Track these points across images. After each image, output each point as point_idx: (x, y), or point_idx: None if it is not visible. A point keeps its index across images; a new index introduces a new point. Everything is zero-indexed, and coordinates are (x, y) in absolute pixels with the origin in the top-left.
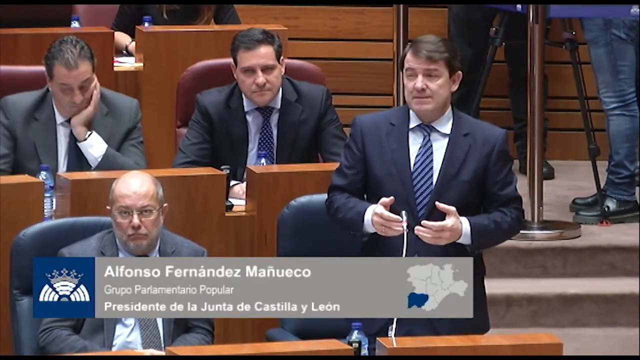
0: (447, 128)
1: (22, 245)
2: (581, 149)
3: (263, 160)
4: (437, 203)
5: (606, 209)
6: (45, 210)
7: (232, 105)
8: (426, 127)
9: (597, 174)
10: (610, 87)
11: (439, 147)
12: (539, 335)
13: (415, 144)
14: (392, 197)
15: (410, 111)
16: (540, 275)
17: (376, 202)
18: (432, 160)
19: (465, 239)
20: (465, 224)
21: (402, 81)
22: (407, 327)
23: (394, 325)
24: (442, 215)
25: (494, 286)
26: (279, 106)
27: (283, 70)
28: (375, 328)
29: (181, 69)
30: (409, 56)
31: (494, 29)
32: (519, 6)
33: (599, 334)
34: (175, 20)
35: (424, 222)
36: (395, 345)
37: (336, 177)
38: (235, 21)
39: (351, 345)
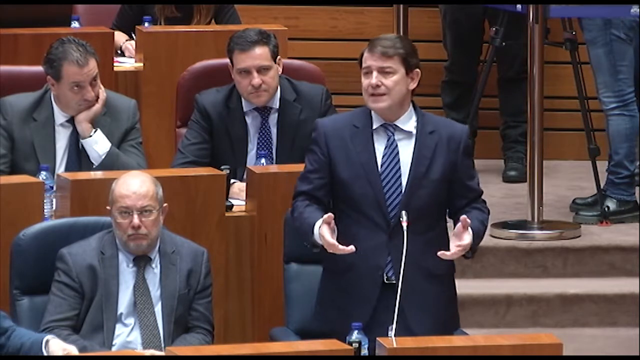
0: (410, 126)
1: (22, 245)
2: (581, 149)
3: (263, 160)
4: (463, 217)
5: (606, 209)
6: (45, 210)
7: (231, 105)
8: (389, 127)
9: (597, 174)
10: (609, 87)
11: (405, 146)
12: (539, 335)
13: (380, 144)
14: (330, 215)
15: (372, 112)
16: (540, 275)
17: (345, 206)
18: (399, 159)
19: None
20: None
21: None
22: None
23: (394, 325)
24: (414, 215)
25: (494, 286)
26: (277, 106)
27: (280, 70)
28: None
29: (181, 69)
30: (365, 54)
31: (493, 29)
32: (519, 6)
33: (599, 334)
34: (171, 23)
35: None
36: (395, 345)
37: (301, 183)
38: (235, 21)
39: (351, 345)
